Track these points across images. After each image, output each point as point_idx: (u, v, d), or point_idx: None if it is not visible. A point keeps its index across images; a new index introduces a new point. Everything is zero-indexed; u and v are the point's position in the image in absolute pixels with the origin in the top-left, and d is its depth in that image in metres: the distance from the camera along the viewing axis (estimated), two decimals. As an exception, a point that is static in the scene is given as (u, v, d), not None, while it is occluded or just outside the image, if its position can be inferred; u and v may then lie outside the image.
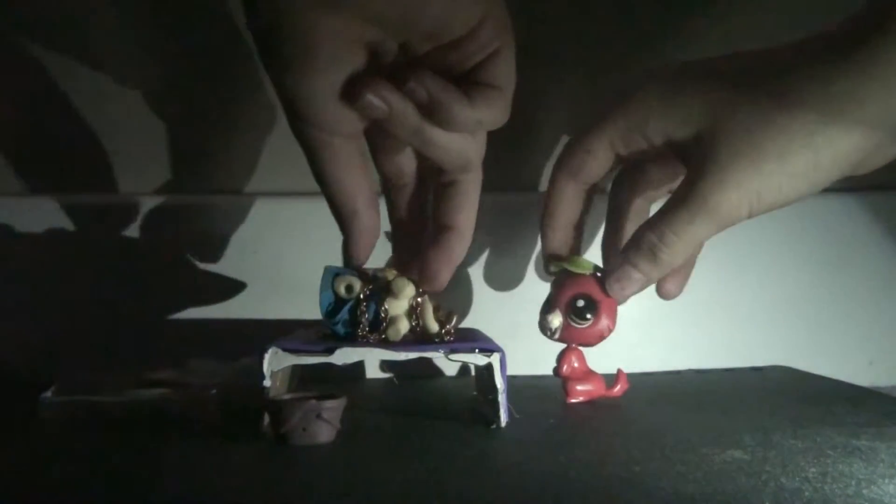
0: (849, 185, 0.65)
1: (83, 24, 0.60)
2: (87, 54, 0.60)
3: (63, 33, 0.60)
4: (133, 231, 0.60)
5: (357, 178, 0.41)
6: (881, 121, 0.39)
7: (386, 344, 0.42)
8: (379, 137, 0.43)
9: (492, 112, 0.40)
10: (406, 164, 0.45)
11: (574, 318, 0.47)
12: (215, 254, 0.60)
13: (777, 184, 0.41)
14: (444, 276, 0.44)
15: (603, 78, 0.62)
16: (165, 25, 0.61)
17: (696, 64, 0.45)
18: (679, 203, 0.43)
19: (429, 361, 0.42)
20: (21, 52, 0.60)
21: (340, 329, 0.43)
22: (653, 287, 0.48)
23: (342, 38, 0.37)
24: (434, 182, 0.45)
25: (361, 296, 0.43)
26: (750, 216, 0.42)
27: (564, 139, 0.49)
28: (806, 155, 0.40)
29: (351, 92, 0.38)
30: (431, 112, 0.39)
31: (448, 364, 0.42)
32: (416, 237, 0.46)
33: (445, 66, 0.40)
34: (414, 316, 0.43)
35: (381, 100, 0.38)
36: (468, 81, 0.40)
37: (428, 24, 0.38)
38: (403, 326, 0.43)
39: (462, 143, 0.41)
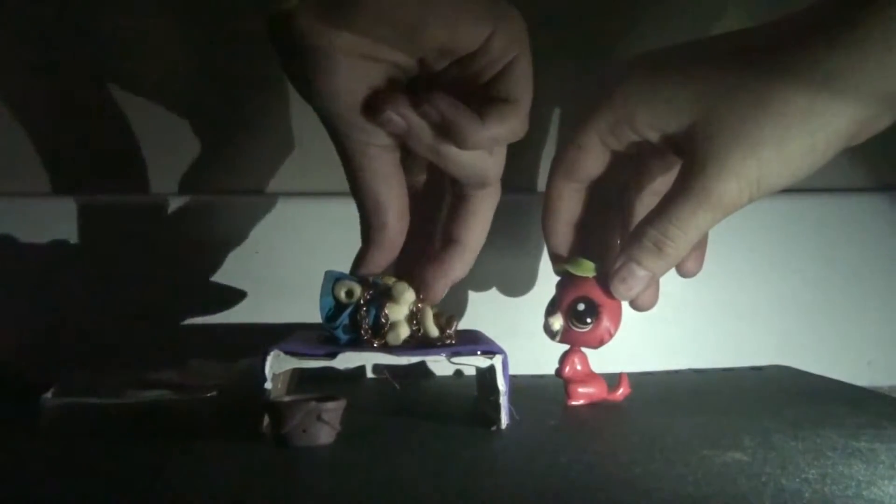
0: (849, 186, 0.66)
1: (85, 24, 0.60)
2: (89, 55, 0.60)
3: (66, 34, 0.60)
4: (133, 231, 0.60)
5: (391, 189, 0.42)
6: (874, 96, 0.39)
7: (388, 348, 0.42)
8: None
9: (506, 128, 0.40)
10: (421, 174, 0.45)
11: (575, 321, 0.47)
12: (216, 254, 0.60)
13: (776, 169, 0.40)
14: (438, 288, 0.44)
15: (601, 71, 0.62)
16: (166, 25, 0.61)
17: (680, 49, 0.44)
18: (680, 196, 0.42)
19: (424, 360, 0.42)
20: (25, 53, 0.60)
21: (341, 334, 0.43)
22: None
23: (355, 55, 0.38)
24: (448, 194, 0.45)
25: (362, 301, 0.43)
26: (750, 202, 0.42)
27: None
28: (802, 138, 0.40)
29: (372, 107, 0.39)
30: (445, 133, 0.39)
31: (444, 364, 0.42)
32: (421, 248, 0.46)
33: (463, 79, 0.41)
34: (414, 321, 0.43)
35: (400, 117, 0.39)
36: (485, 96, 0.41)
37: (432, 42, 0.39)
38: (404, 331, 0.43)
39: (478, 160, 0.42)
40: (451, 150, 0.41)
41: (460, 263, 0.45)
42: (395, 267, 0.45)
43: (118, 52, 0.60)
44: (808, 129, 0.39)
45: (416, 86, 0.41)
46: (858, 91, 0.38)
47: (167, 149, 0.62)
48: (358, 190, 0.42)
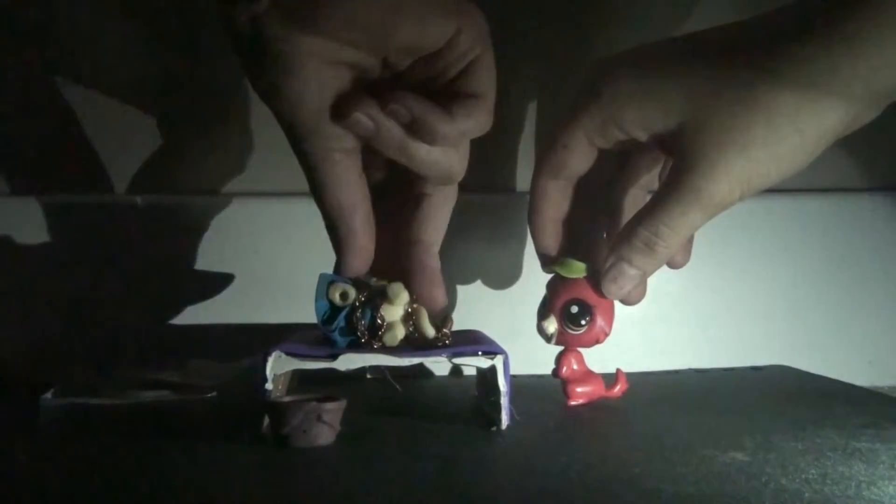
0: (849, 186, 0.66)
1: (81, 24, 0.60)
2: (86, 54, 0.60)
3: (61, 33, 0.60)
4: (132, 231, 0.60)
5: (355, 194, 0.42)
6: (864, 92, 0.39)
7: (389, 349, 0.42)
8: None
9: (473, 122, 0.41)
10: (379, 172, 0.45)
11: (569, 324, 0.47)
12: (215, 254, 0.60)
13: (766, 168, 0.40)
14: (438, 295, 0.44)
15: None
16: (164, 24, 0.61)
17: (667, 45, 0.44)
18: (670, 196, 0.42)
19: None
20: (19, 53, 0.60)
21: (337, 337, 0.43)
22: (652, 287, 0.48)
23: (322, 59, 0.38)
24: (406, 194, 0.45)
25: (356, 303, 0.43)
26: (741, 199, 0.42)
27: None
28: (792, 137, 0.40)
29: (339, 110, 0.39)
30: (415, 130, 0.40)
31: (444, 364, 0.42)
32: (388, 246, 0.46)
33: (427, 78, 0.41)
34: (410, 322, 0.43)
35: (368, 118, 0.39)
36: (450, 92, 0.41)
37: (401, 43, 0.39)
38: (400, 332, 0.43)
39: (445, 156, 0.42)
40: (419, 149, 0.41)
41: (432, 262, 0.45)
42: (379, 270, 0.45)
43: (117, 52, 0.60)
44: (798, 127, 0.39)
45: (379, 85, 0.41)
46: (848, 87, 0.38)
47: (166, 149, 0.62)
48: (322, 197, 0.42)
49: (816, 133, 0.40)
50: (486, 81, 0.41)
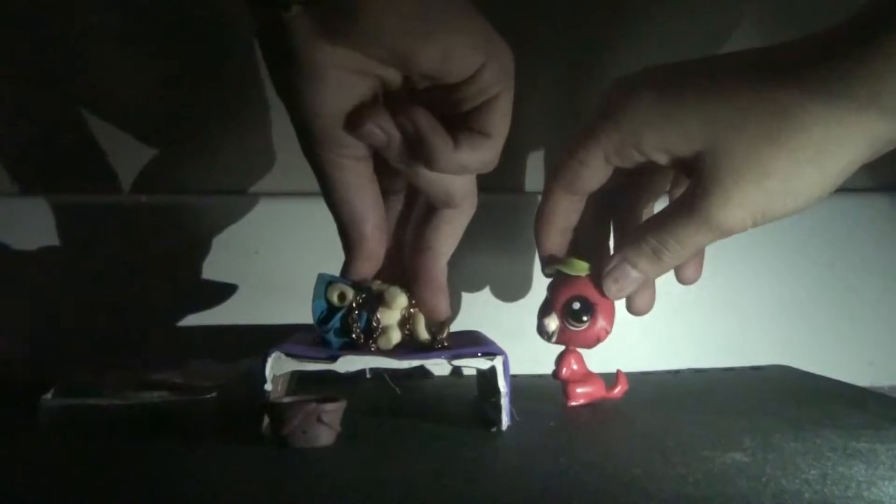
0: (849, 185, 0.65)
1: (81, 23, 0.60)
2: (87, 54, 0.60)
3: (62, 33, 0.60)
4: (133, 231, 0.60)
5: (366, 200, 0.42)
6: (887, 129, 0.38)
7: (389, 352, 0.42)
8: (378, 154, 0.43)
9: (476, 158, 0.41)
10: (398, 180, 0.45)
11: (570, 320, 0.47)
12: (215, 254, 0.60)
13: (782, 201, 0.40)
14: (441, 304, 0.44)
15: (598, 74, 0.62)
16: (164, 25, 0.61)
17: (689, 67, 0.43)
18: (682, 215, 0.42)
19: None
20: (20, 53, 0.60)
21: (332, 337, 0.43)
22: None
23: (347, 68, 0.39)
24: (424, 200, 0.45)
25: (353, 305, 0.43)
26: (753, 227, 0.42)
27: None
28: (811, 173, 0.40)
29: (353, 120, 0.39)
30: (417, 149, 0.40)
31: (444, 364, 0.42)
32: (400, 251, 0.46)
33: (443, 105, 0.41)
34: (406, 326, 0.43)
35: (380, 130, 0.39)
36: (463, 125, 0.41)
37: (423, 69, 0.39)
38: (395, 336, 0.43)
39: (448, 181, 0.42)
40: (422, 167, 0.41)
41: (438, 271, 0.45)
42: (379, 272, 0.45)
43: (117, 51, 0.60)
44: (818, 163, 0.39)
45: (397, 97, 0.41)
46: (874, 122, 0.38)
47: (166, 149, 0.62)
48: (333, 202, 0.42)
49: (836, 168, 0.40)
50: (498, 122, 0.41)
